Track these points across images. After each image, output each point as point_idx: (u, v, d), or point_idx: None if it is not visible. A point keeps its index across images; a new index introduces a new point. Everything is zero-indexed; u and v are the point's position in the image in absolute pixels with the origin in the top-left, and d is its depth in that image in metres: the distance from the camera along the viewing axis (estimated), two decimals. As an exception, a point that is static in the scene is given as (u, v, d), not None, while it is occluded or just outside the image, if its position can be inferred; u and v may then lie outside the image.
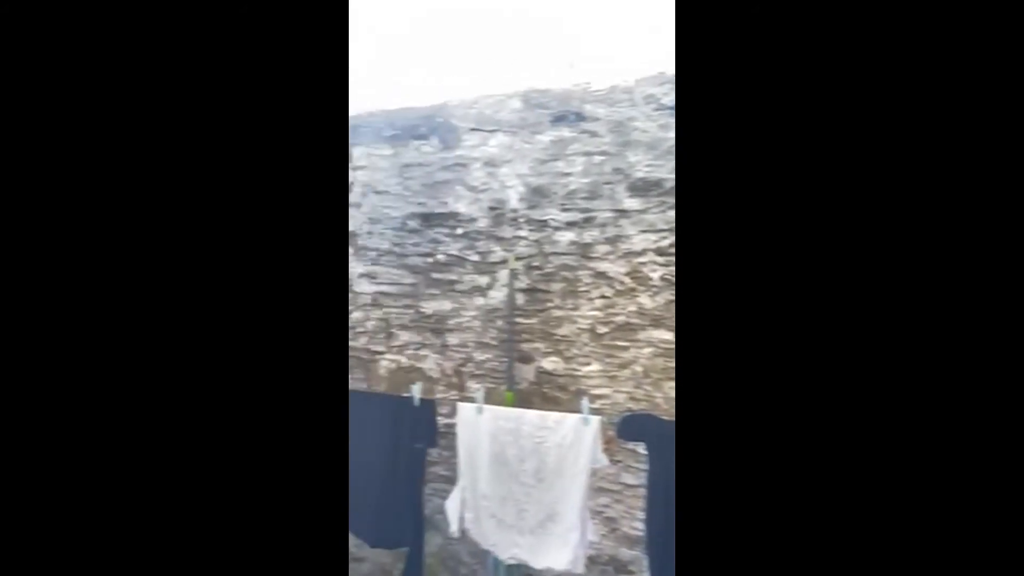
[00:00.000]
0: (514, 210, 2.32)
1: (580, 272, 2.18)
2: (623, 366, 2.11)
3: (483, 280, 2.37)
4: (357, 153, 2.72)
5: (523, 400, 2.20)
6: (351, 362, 2.67)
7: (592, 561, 2.04)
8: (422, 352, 2.50)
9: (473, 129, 2.43)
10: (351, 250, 2.71)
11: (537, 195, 2.27)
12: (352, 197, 2.72)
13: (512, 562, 1.84)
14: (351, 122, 2.87)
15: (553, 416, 1.78)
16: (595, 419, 1.70)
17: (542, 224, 2.25)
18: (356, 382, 2.53)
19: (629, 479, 2.07)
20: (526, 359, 2.27)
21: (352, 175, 2.73)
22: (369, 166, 2.68)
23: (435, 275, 2.47)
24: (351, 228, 2.71)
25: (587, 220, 2.18)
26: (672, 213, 2.03)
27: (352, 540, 2.23)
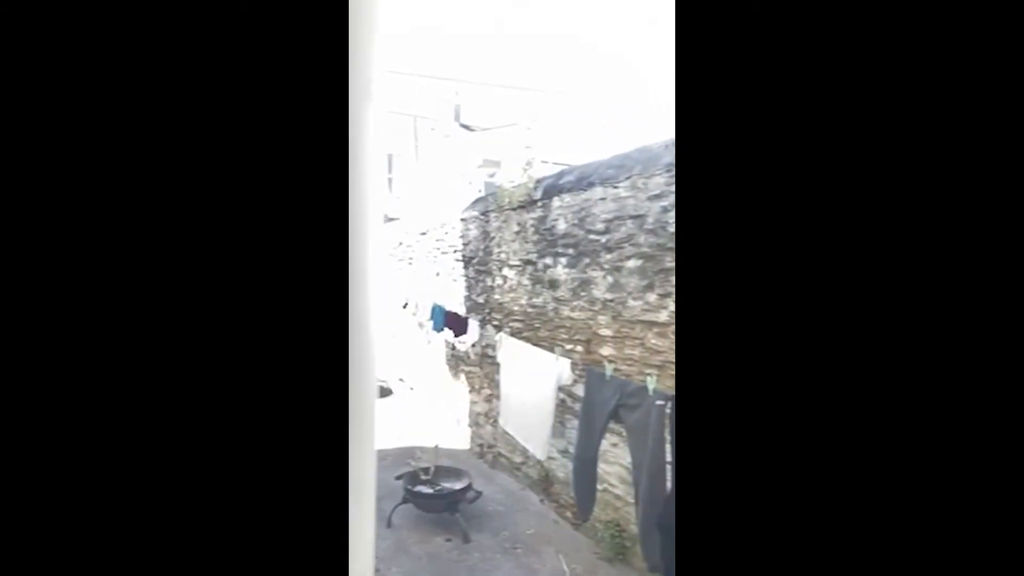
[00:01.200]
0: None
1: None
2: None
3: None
4: (662, 181, 2.80)
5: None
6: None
7: None
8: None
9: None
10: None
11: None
12: (647, 224, 2.81)
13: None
14: (653, 151, 2.98)
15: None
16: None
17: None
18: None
19: None
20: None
21: (649, 205, 2.83)
22: (670, 193, 2.73)
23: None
24: (652, 252, 2.80)
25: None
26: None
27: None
